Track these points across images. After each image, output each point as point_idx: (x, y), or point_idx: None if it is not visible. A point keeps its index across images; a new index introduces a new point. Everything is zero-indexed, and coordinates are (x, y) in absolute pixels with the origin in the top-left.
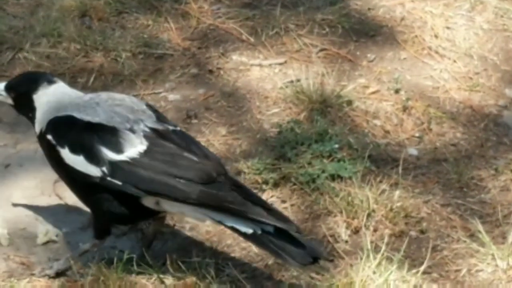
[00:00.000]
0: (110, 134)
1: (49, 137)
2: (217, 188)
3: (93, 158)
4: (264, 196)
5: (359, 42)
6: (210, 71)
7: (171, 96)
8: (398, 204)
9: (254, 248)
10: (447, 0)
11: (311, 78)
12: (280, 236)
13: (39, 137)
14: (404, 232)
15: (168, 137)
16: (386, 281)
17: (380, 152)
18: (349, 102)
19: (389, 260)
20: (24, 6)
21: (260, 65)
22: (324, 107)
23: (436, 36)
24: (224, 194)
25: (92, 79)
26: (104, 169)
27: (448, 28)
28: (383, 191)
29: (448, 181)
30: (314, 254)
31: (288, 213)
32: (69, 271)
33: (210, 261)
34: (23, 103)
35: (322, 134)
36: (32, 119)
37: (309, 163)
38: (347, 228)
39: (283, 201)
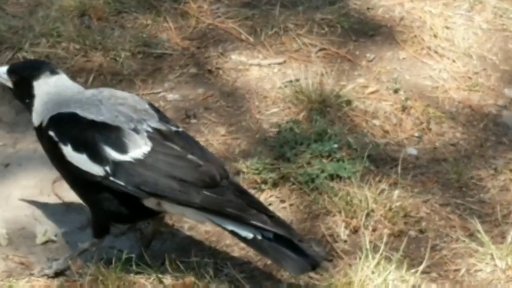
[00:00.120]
0: (114, 134)
1: (51, 133)
2: (220, 193)
3: (97, 157)
4: (263, 196)
5: (358, 42)
6: (209, 71)
7: (170, 96)
8: (397, 204)
9: None
10: (446, 0)
11: (310, 78)
12: (280, 242)
13: (37, 130)
14: (403, 231)
15: (171, 138)
16: (385, 280)
17: (379, 152)
18: (348, 102)
19: (388, 259)
20: (23, 6)
21: (259, 65)
22: (323, 107)
23: (435, 36)
24: (227, 199)
25: (91, 78)
26: (107, 168)
27: (447, 28)
28: (382, 191)
29: (447, 180)
30: (314, 262)
31: (287, 213)
32: (68, 271)
33: (209, 261)
34: (22, 88)
35: (321, 134)
36: (29, 106)
37: (308, 163)
38: (346, 227)
39: (282, 201)
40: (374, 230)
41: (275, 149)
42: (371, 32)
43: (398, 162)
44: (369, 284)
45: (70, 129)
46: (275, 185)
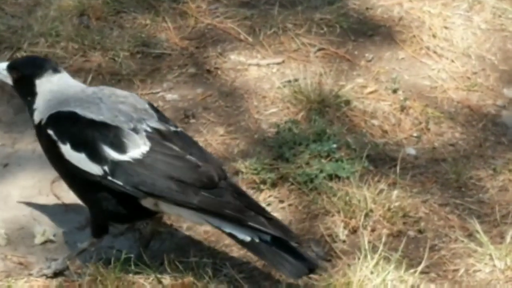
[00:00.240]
0: (113, 134)
1: (50, 132)
2: (218, 194)
3: (95, 156)
4: (262, 196)
5: (357, 42)
6: (208, 71)
7: (169, 96)
8: (396, 204)
9: None
10: (445, 0)
11: (309, 78)
12: (277, 246)
13: (37, 128)
14: (402, 232)
15: (170, 138)
16: (384, 281)
17: (378, 152)
18: (347, 102)
19: (387, 260)
20: (22, 6)
21: (258, 65)
22: (322, 107)
23: (434, 36)
24: (225, 201)
25: (90, 78)
26: (106, 168)
27: (446, 28)
28: (381, 191)
29: (446, 181)
30: (311, 265)
31: (286, 213)
32: (66, 271)
33: (208, 261)
34: (24, 86)
35: (320, 134)
36: (30, 104)
37: (307, 163)
38: (345, 228)
39: (281, 201)
40: (373, 230)
41: (274, 149)
42: (370, 32)
43: (397, 162)
44: (368, 284)
45: (69, 128)
46: (274, 185)
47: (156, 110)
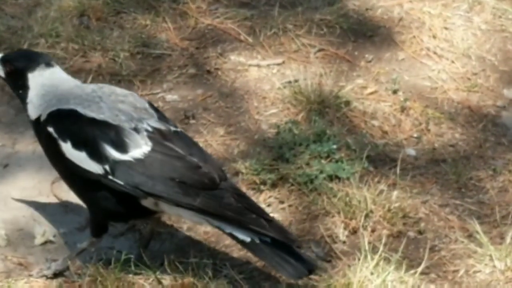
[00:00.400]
0: (115, 133)
1: (51, 129)
2: (219, 195)
3: (96, 155)
4: (262, 197)
5: (357, 42)
6: (208, 72)
7: (169, 97)
8: (396, 205)
9: None
10: (445, 0)
11: (309, 79)
12: (277, 247)
13: (35, 124)
14: (402, 232)
15: (170, 138)
16: (384, 281)
17: (378, 152)
18: (347, 103)
19: (387, 260)
20: (22, 6)
21: (258, 66)
22: (322, 108)
23: (434, 37)
24: (226, 202)
25: (90, 79)
26: (107, 167)
27: (446, 28)
28: (381, 192)
29: (446, 181)
30: (310, 266)
31: (286, 213)
32: (66, 272)
33: (208, 261)
34: (16, 79)
35: (320, 134)
36: (23, 97)
37: (307, 164)
38: (345, 228)
39: (281, 202)
40: (373, 231)
41: (274, 150)
42: (370, 33)
43: (397, 162)
44: (368, 285)
45: (70, 126)
46: (274, 186)
47: (156, 109)
